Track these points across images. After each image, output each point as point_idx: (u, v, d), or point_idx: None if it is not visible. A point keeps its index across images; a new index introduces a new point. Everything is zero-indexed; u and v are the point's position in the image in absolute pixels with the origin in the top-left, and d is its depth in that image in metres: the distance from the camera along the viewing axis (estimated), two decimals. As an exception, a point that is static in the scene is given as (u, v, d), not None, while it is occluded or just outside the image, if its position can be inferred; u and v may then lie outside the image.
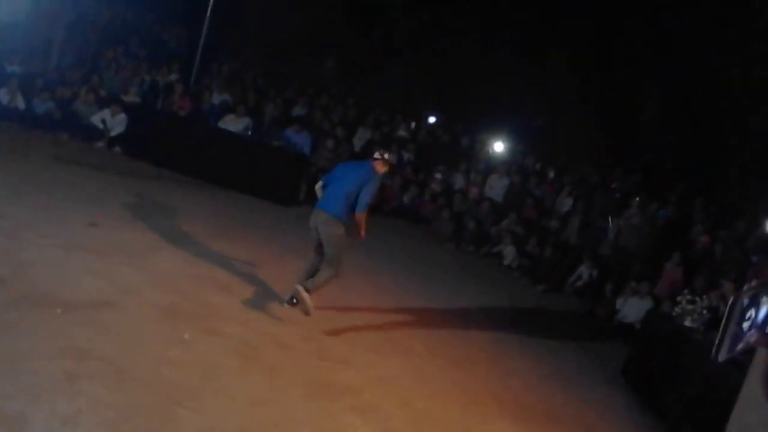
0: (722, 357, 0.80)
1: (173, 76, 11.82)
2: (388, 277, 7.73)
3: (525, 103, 14.32)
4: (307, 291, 5.60)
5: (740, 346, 0.83)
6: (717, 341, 0.82)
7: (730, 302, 0.82)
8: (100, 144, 10.22)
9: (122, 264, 5.65)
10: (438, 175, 11.54)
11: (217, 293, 5.69)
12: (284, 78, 14.03)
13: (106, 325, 4.50)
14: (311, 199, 10.16)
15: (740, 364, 5.75)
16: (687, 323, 7.10)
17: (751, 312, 0.84)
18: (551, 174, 11.76)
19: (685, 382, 6.01)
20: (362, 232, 5.75)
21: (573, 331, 8.26)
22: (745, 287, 0.87)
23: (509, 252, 10.10)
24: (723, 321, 0.80)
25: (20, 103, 10.07)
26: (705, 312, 7.29)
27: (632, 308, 8.56)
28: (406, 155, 11.90)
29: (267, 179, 9.72)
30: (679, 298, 7.67)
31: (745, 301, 0.82)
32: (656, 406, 6.21)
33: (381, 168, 5.83)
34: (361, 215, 5.66)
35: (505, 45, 14.55)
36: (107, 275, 5.32)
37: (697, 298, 7.50)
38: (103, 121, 10.31)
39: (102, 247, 5.88)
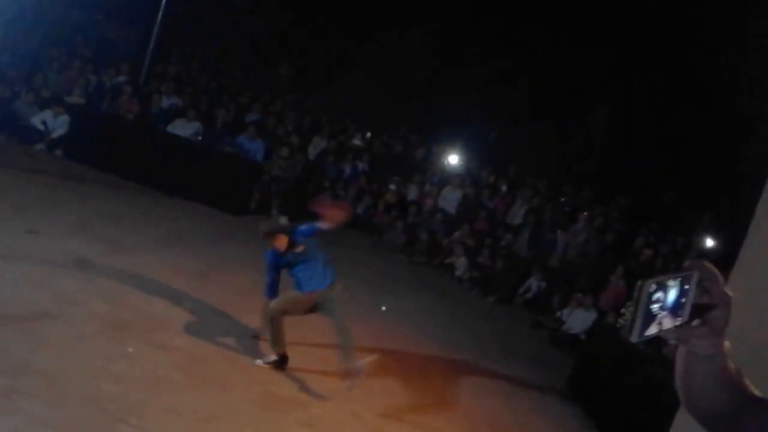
0: (635, 338, 0.83)
1: (122, 78, 11.49)
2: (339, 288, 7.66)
3: (477, 118, 14.50)
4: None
5: (653, 329, 0.86)
6: (629, 322, 0.85)
7: (637, 285, 0.85)
8: (41, 146, 9.82)
9: (63, 274, 5.45)
10: (392, 186, 11.55)
11: (163, 305, 5.54)
12: (237, 82, 13.85)
13: (45, 339, 4.33)
14: (263, 208, 10.17)
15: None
16: (630, 335, 7.28)
17: (660, 295, 0.88)
18: (504, 187, 11.91)
19: (628, 393, 6.16)
20: None
21: (521, 342, 8.37)
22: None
23: (461, 263, 10.17)
24: (633, 302, 0.84)
25: (-45, 102, 9.66)
26: (647, 324, 7.50)
27: (577, 320, 8.73)
28: (361, 165, 11.87)
29: (217, 187, 9.52)
30: (622, 310, 7.87)
31: (653, 285, 0.86)
32: (600, 417, 6.34)
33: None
34: None
35: (458, 59, 14.72)
36: (47, 286, 5.12)
37: (639, 310, 7.71)
38: (44, 123, 9.92)
39: (41, 256, 5.66)
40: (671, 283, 1.01)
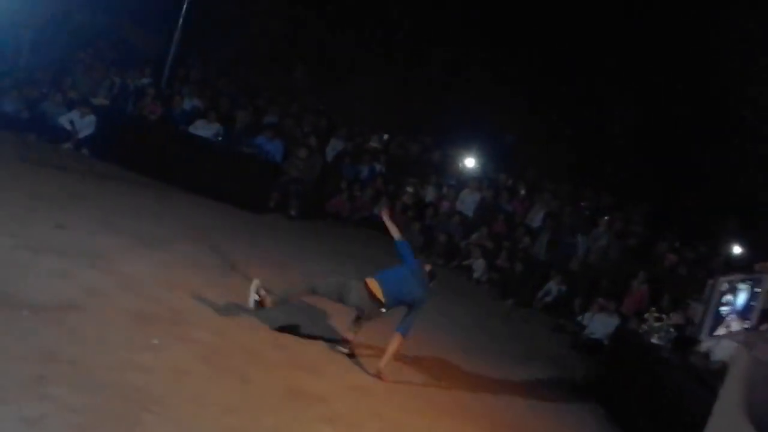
0: (704, 336, 0.81)
1: (145, 80, 11.65)
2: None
3: (495, 120, 14.45)
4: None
5: (721, 330, 0.85)
6: (698, 321, 0.83)
7: (709, 284, 0.83)
8: (68, 145, 10.00)
9: (90, 267, 5.51)
10: (409, 189, 11.55)
11: (186, 299, 5.59)
12: (255, 85, 13.94)
13: (73, 329, 4.39)
14: (281, 207, 10.23)
15: (709, 382, 5.92)
16: (654, 340, 7.24)
17: (730, 297, 0.86)
18: (522, 190, 11.88)
19: (654, 398, 6.10)
20: None
21: (542, 345, 8.32)
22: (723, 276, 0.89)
23: (479, 266, 10.16)
24: (704, 302, 0.82)
25: (-14, 103, 9.83)
26: (671, 330, 7.45)
27: (599, 324, 8.67)
28: (378, 167, 11.90)
29: (237, 186, 9.60)
30: (646, 316, 7.82)
31: (724, 285, 0.84)
32: (625, 421, 6.28)
33: None
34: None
35: (474, 62, 14.70)
36: (75, 278, 5.19)
37: (664, 316, 7.66)
38: (71, 123, 10.09)
39: (69, 250, 5.73)
40: (741, 285, 0.99)
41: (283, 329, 5.61)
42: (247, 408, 4.22)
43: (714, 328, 0.86)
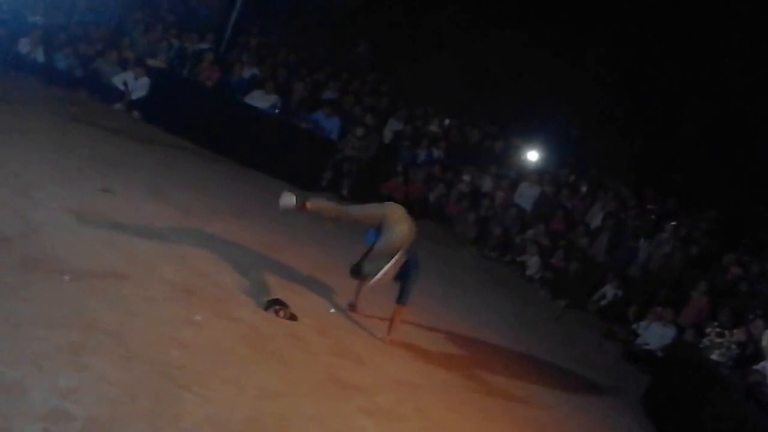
0: None
1: (204, 45, 11.46)
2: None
3: (561, 114, 13.91)
4: None
5: None
6: None
7: None
8: (119, 106, 9.87)
9: (135, 235, 5.35)
10: (466, 177, 11.11)
11: (232, 275, 5.40)
12: (315, 59, 13.67)
13: (115, 298, 4.24)
14: (333, 186, 9.99)
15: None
16: (714, 357, 6.82)
17: None
18: (584, 188, 11.34)
19: (709, 418, 5.72)
20: None
21: (592, 351, 7.94)
22: None
23: (533, 263, 9.74)
24: None
25: (40, 56, 9.72)
26: (733, 347, 7.01)
27: (654, 334, 8.22)
28: (436, 152, 11.50)
29: (290, 161, 9.35)
30: (708, 330, 7.37)
31: None
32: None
33: None
34: None
35: (542, 54, 14.17)
36: (119, 245, 5.05)
37: (726, 332, 7.21)
38: (125, 83, 9.97)
39: (115, 216, 5.59)
40: None
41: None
42: (288, 394, 4.04)
43: None
